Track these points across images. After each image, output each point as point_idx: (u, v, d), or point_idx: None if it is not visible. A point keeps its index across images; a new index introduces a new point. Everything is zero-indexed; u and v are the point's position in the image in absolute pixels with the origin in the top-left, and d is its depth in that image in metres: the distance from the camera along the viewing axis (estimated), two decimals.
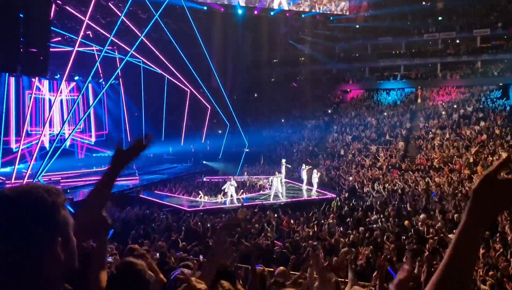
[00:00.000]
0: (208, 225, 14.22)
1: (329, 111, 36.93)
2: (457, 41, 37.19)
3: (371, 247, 10.17)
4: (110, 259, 6.34)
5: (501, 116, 28.57)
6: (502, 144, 25.22)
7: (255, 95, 41.02)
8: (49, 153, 21.12)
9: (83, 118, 28.96)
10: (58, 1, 22.03)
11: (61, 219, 1.06)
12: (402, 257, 10.18)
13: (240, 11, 29.45)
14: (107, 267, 2.14)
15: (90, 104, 29.32)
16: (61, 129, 24.11)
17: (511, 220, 12.40)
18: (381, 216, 14.48)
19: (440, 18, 38.19)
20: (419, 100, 34.76)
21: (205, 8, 28.55)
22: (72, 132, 26.89)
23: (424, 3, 39.28)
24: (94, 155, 33.66)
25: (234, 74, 37.18)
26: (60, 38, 25.43)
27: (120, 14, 23.52)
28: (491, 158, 23.91)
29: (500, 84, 33.17)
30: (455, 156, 25.13)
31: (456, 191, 18.14)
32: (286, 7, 32.67)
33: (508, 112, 29.20)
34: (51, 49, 18.56)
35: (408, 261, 5.40)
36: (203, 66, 29.70)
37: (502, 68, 33.87)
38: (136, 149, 1.84)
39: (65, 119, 27.74)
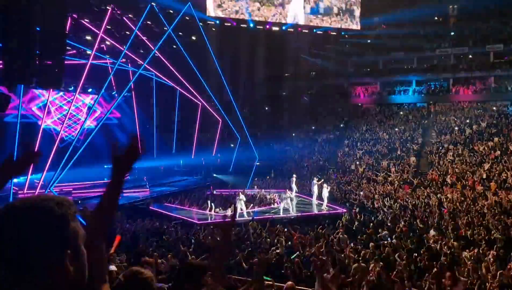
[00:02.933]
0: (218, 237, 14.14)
1: (341, 126, 36.82)
2: (470, 56, 36.98)
3: (381, 263, 10.00)
4: (112, 267, 6.33)
5: None
6: None
7: (266, 108, 41.14)
8: (62, 164, 21.35)
9: (97, 128, 29.25)
10: (74, 15, 22.52)
11: (70, 231, 1.05)
12: (413, 274, 10.01)
13: (251, 25, 29.76)
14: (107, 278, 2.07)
15: (104, 116, 29.63)
16: (75, 138, 24.35)
17: None
18: (393, 232, 14.28)
19: (452, 33, 38.09)
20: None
21: (217, 22, 28.93)
22: (86, 142, 27.18)
23: (436, 18, 39.24)
24: (105, 166, 33.93)
25: (246, 87, 37.39)
26: (75, 51, 25.93)
27: (134, 28, 23.93)
28: (505, 174, 23.53)
29: None
30: (468, 172, 24.78)
31: (469, 207, 17.83)
32: (302, 21, 32.91)
33: None
34: (66, 62, 18.91)
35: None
36: (215, 79, 29.98)
37: None
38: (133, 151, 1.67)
39: (78, 128, 28.07)
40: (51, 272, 1.00)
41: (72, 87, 26.83)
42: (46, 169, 21.87)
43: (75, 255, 1.05)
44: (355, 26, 36.23)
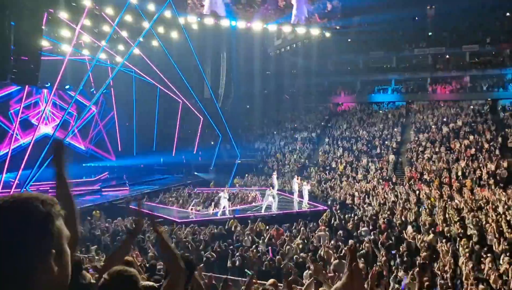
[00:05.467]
0: (201, 237, 14.11)
1: (321, 124, 37.12)
2: (447, 56, 37.79)
3: (362, 259, 10.13)
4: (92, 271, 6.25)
5: (489, 131, 28.94)
6: (490, 158, 25.51)
7: (248, 106, 41.13)
8: (38, 162, 20.85)
9: (74, 126, 28.71)
10: (50, 10, 21.98)
11: (55, 230, 1.02)
12: (393, 269, 10.17)
13: (233, 23, 29.64)
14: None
15: (81, 113, 29.11)
16: (52, 136, 23.83)
17: (499, 234, 12.46)
18: (372, 228, 14.48)
19: (430, 33, 38.85)
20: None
21: (199, 19, 28.70)
22: (65, 137, 26.64)
23: (414, 18, 39.94)
24: (83, 165, 33.38)
25: (227, 85, 37.27)
26: (51, 47, 25.34)
27: (113, 24, 23.52)
28: (480, 172, 24.17)
29: (488, 99, 33.70)
30: (445, 170, 25.34)
31: (446, 204, 18.23)
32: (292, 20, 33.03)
33: (496, 127, 29.59)
34: (42, 58, 18.46)
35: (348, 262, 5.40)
36: (196, 77, 29.77)
37: (490, 83, 34.44)
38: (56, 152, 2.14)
39: (55, 127, 27.49)
40: (36, 273, 0.97)
41: (49, 84, 26.23)
42: (22, 167, 21.33)
43: (60, 255, 1.02)
44: (336, 25, 36.50)
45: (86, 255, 11.12)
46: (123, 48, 28.51)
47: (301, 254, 11.88)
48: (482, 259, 10.44)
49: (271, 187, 21.26)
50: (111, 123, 35.16)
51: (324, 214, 17.51)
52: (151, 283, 2.90)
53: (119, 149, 34.72)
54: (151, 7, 24.30)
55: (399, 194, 21.53)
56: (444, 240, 12.44)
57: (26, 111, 29.35)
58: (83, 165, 33.23)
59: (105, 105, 34.96)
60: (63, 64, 22.41)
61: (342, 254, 10.91)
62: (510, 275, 8.92)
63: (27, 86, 24.17)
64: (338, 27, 36.33)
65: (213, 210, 19.90)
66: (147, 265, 8.48)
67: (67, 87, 29.25)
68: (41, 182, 22.66)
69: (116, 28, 23.48)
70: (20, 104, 25.78)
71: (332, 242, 12.82)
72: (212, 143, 33.10)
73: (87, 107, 28.03)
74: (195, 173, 31.43)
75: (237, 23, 29.42)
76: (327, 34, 34.17)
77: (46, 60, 21.88)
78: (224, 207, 19.32)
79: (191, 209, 20.20)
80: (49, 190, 21.82)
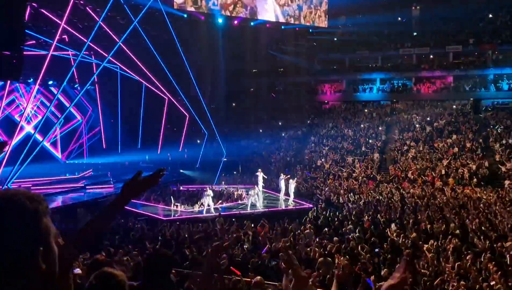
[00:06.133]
0: (186, 235, 14.05)
1: (307, 122, 37.29)
2: (431, 56, 38.33)
3: (347, 256, 10.23)
4: (77, 270, 6.14)
5: (472, 130, 29.48)
6: (472, 157, 26.01)
7: (234, 104, 41.05)
8: (20, 158, 20.49)
9: (57, 123, 28.25)
10: (34, 4, 21.57)
11: (43, 227, 1.01)
12: (377, 267, 10.29)
13: (220, 20, 29.50)
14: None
15: (65, 110, 28.63)
16: (34, 133, 23.43)
17: (480, 231, 12.73)
18: (357, 226, 14.63)
19: (415, 33, 39.35)
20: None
21: (185, 15, 28.47)
22: (44, 138, 26.21)
23: (400, 19, 40.43)
24: (67, 161, 32.90)
25: (213, 83, 37.13)
26: (34, 42, 24.86)
27: (98, 19, 23.20)
28: (461, 170, 24.61)
29: (471, 99, 34.30)
30: (428, 168, 25.73)
31: (429, 202, 18.53)
32: (281, 19, 32.92)
33: (478, 127, 30.17)
34: (25, 53, 18.10)
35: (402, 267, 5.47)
36: (182, 74, 29.52)
37: (473, 83, 35.06)
38: (152, 181, 1.87)
39: (38, 123, 27.04)
40: (24, 270, 0.96)
41: (32, 79, 25.75)
42: (3, 164, 20.92)
43: (47, 252, 1.01)
44: (323, 24, 36.67)
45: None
46: (108, 44, 28.14)
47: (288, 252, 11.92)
48: (463, 256, 10.65)
49: (255, 186, 21.31)
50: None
51: (310, 212, 17.62)
52: (136, 284, 2.89)
53: (103, 147, 34.31)
54: (137, 2, 24.04)
55: (383, 192, 21.80)
56: (426, 238, 12.65)
57: (7, 108, 28.82)
58: (66, 162, 32.75)
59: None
60: (46, 59, 22.00)
61: (327, 252, 11.00)
62: (490, 272, 9.12)
63: (8, 82, 23.72)
64: (326, 26, 36.48)
65: (198, 208, 19.84)
66: (132, 264, 8.42)
67: (50, 83, 28.75)
68: (24, 179, 22.31)
69: (101, 23, 23.16)
70: (1, 102, 25.32)
71: (317, 239, 12.91)
72: (198, 141, 32.93)
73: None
74: (181, 170, 31.25)
75: (224, 21, 29.29)
76: (313, 33, 34.26)
77: (29, 55, 21.47)
78: (209, 205, 19.29)
79: (176, 206, 20.10)
80: (31, 188, 21.52)
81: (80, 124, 34.32)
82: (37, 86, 24.65)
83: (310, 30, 37.69)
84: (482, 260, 10.21)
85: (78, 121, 34.01)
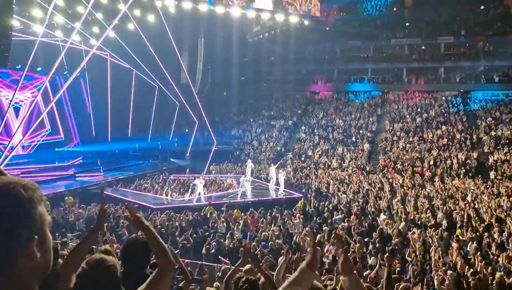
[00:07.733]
0: (177, 223, 14.05)
1: (298, 112, 37.28)
2: (423, 47, 38.42)
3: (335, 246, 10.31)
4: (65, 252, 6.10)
5: (461, 121, 29.75)
6: (461, 148, 26.28)
7: (225, 93, 40.87)
8: (7, 146, 20.24)
9: (45, 111, 27.84)
10: None
11: (37, 216, 0.99)
12: (366, 256, 10.41)
13: (211, 7, 29.13)
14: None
15: (53, 98, 28.22)
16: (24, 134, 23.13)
17: (467, 222, 12.91)
18: (346, 216, 14.75)
19: (407, 24, 39.34)
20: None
21: (176, 2, 28.08)
22: (33, 128, 25.90)
23: (393, 9, 40.39)
24: (56, 149, 32.56)
25: (204, 71, 36.86)
26: (22, 27, 24.39)
27: (87, 5, 22.79)
28: (450, 161, 24.88)
29: (461, 90, 34.54)
30: (418, 159, 25.96)
31: (418, 193, 18.72)
32: (270, 7, 32.47)
33: (467, 118, 30.44)
34: (12, 38, 17.78)
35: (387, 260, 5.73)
36: (173, 62, 29.26)
37: (463, 75, 35.28)
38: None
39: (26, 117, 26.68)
40: (18, 259, 0.94)
41: (20, 66, 25.30)
42: None
43: (42, 241, 0.99)
44: (317, 13, 36.41)
45: (60, 241, 10.90)
46: (98, 31, 27.72)
47: (277, 241, 12.01)
48: (450, 246, 10.81)
49: (245, 175, 21.34)
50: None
51: (299, 202, 17.70)
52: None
53: (93, 135, 34.00)
54: None
55: (373, 182, 21.96)
56: (415, 228, 12.81)
57: None
58: (56, 149, 32.42)
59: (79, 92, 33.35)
60: (34, 45, 21.59)
61: (316, 241, 11.09)
62: (476, 261, 9.27)
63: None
64: (318, 15, 36.25)
65: (188, 196, 19.83)
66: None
67: (38, 69, 28.30)
68: (13, 167, 22.05)
69: (90, 9, 22.75)
70: None
71: (307, 229, 13.00)
72: (187, 130, 32.78)
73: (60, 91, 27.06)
74: (171, 159, 31.17)
75: (215, 7, 28.95)
76: (306, 22, 34.05)
77: (16, 40, 21.06)
78: (199, 194, 19.30)
79: (167, 195, 20.07)
80: (20, 175, 21.28)
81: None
82: (24, 72, 24.21)
83: (302, 19, 37.46)
84: (469, 249, 10.38)
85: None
